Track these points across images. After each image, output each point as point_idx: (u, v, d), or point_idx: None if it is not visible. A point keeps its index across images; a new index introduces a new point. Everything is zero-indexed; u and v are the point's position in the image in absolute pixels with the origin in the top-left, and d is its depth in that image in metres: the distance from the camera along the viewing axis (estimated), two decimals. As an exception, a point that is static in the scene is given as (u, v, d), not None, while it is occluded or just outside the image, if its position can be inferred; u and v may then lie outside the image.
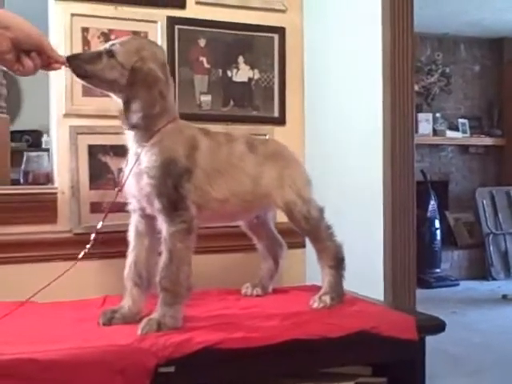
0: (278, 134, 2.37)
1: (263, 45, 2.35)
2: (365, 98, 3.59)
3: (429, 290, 6.05)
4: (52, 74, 2.05)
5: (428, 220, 6.33)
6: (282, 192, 1.87)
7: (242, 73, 2.32)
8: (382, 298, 3.36)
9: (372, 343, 1.70)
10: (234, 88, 2.31)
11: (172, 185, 1.64)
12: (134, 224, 1.75)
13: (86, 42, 2.11)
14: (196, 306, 1.87)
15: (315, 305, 1.87)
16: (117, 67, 1.62)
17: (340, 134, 3.87)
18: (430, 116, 6.77)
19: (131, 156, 1.70)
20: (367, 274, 3.54)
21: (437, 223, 6.40)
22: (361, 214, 3.64)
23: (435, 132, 6.86)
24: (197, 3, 2.26)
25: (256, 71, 2.34)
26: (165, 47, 2.19)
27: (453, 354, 3.95)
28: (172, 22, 2.21)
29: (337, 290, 1.90)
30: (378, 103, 3.36)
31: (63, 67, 1.60)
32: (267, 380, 1.67)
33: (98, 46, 2.11)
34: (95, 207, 2.10)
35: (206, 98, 2.27)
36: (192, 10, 2.26)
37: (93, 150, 2.11)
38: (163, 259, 1.64)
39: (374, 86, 3.43)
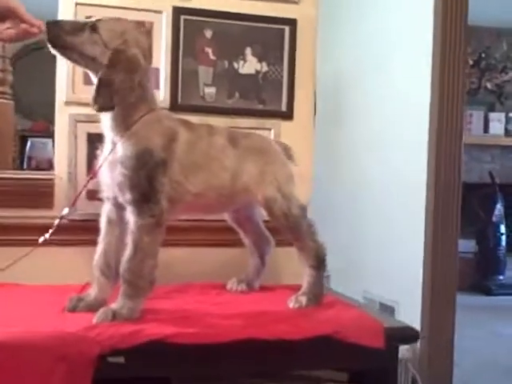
0: (284, 128, 2.32)
1: (273, 37, 2.30)
2: (410, 94, 3.49)
3: (490, 297, 5.82)
4: (58, 60, 2.09)
5: (493, 224, 6.06)
6: (262, 188, 1.84)
7: (249, 65, 2.29)
8: (419, 305, 3.28)
9: (335, 349, 1.64)
10: (239, 80, 2.28)
11: (145, 176, 1.63)
12: (105, 212, 1.75)
13: (89, 31, 2.12)
14: (169, 299, 1.87)
15: (291, 305, 1.83)
16: (99, 44, 1.60)
17: (380, 135, 3.79)
18: (502, 116, 6.46)
19: (107, 144, 1.69)
20: (405, 280, 3.45)
21: (502, 228, 6.10)
22: (402, 217, 3.55)
23: (508, 132, 6.54)
24: (204, -7, 2.24)
25: (264, 64, 2.30)
26: (169, 37, 2.20)
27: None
28: (178, 12, 2.20)
29: (315, 291, 1.85)
30: (425, 100, 3.26)
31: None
32: (222, 378, 1.65)
33: (101, 35, 2.15)
34: (92, 194, 2.11)
35: (210, 90, 2.25)
36: (199, 1, 2.24)
37: (92, 138, 2.13)
38: (128, 251, 1.64)
39: (421, 83, 3.32)
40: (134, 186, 1.63)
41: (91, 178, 1.76)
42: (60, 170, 2.14)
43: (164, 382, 1.67)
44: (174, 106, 2.20)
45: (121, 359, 1.53)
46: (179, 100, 2.21)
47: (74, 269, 2.08)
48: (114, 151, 1.66)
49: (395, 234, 3.60)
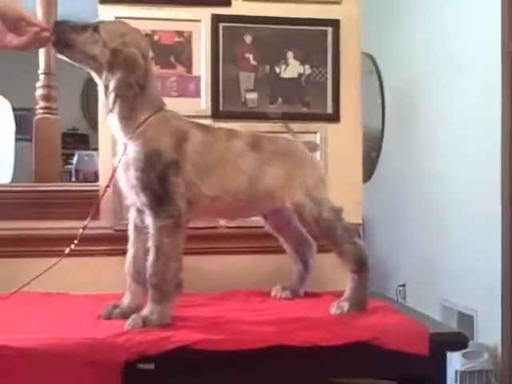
0: (331, 131, 2.27)
1: (315, 39, 2.26)
2: (480, 96, 3.36)
3: None
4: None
5: None
6: (290, 192, 1.78)
7: (292, 68, 2.25)
8: (499, 313, 3.12)
9: (374, 356, 1.56)
10: (282, 84, 2.25)
11: (156, 178, 1.61)
12: (132, 219, 1.75)
13: (129, 44, 2.15)
14: (208, 306, 1.85)
15: (333, 311, 1.76)
16: (99, 43, 1.62)
17: (454, 140, 3.65)
18: None
19: (119, 147, 1.70)
20: (484, 287, 3.30)
21: None
22: (478, 220, 3.41)
23: None
24: (243, 0, 2.23)
25: (307, 66, 2.26)
26: (209, 45, 2.20)
27: None
28: (216, 20, 2.20)
29: (357, 296, 1.78)
30: (496, 101, 3.12)
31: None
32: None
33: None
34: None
35: (252, 96, 2.23)
36: (238, 7, 2.23)
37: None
38: (151, 255, 1.62)
39: (491, 82, 3.19)
40: (146, 188, 1.62)
41: (107, 187, 1.76)
42: (104, 181, 2.16)
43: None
44: (216, 114, 2.19)
45: (151, 366, 1.51)
46: (221, 107, 2.21)
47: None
48: (126, 153, 1.66)
49: (472, 238, 3.46)
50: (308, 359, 1.54)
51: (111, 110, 1.63)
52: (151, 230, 1.63)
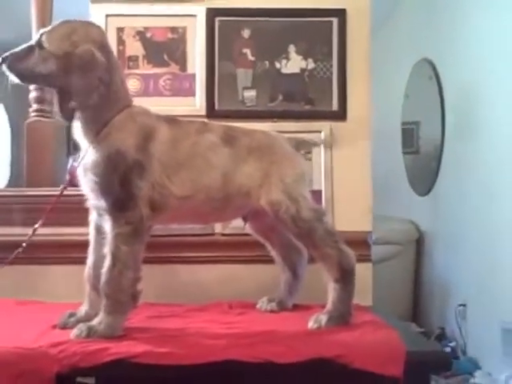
0: (337, 130, 2.08)
1: (319, 31, 2.08)
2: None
3: None
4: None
5: None
6: (265, 190, 1.62)
7: (293, 63, 2.09)
8: None
9: (336, 375, 1.37)
10: (283, 81, 2.08)
11: (119, 181, 1.50)
12: (93, 221, 1.64)
13: (121, 42, 2.07)
14: (179, 318, 1.72)
15: (310, 324, 1.58)
16: (50, 58, 1.49)
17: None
18: None
19: (82, 151, 1.58)
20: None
21: None
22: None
23: None
24: (240, -8, 2.10)
25: (310, 61, 2.09)
26: (204, 41, 2.08)
27: None
28: (212, 14, 2.07)
29: (339, 309, 1.59)
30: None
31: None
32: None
33: (133, 45, 2.09)
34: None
35: (250, 94, 2.08)
36: (235, 0, 2.09)
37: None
38: (106, 263, 1.51)
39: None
40: (107, 193, 1.50)
41: (64, 188, 1.66)
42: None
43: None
44: (211, 113, 2.06)
45: (91, 380, 1.39)
46: (216, 106, 2.07)
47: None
48: (86, 156, 1.54)
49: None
50: (259, 377, 1.37)
51: (70, 119, 1.54)
52: (109, 236, 1.52)
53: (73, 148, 2.28)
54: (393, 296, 3.62)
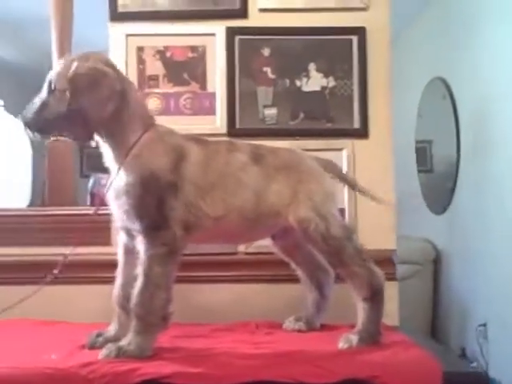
0: (359, 147, 2.07)
1: (339, 49, 2.08)
2: None
3: None
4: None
5: None
6: (294, 208, 1.60)
7: (314, 81, 2.08)
8: None
9: (372, 396, 1.33)
10: (303, 99, 2.08)
11: (154, 203, 1.48)
12: (121, 242, 1.62)
13: (141, 61, 2.08)
14: (207, 338, 1.70)
15: (340, 345, 1.55)
16: (62, 95, 1.46)
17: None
18: None
19: (113, 174, 1.56)
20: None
21: None
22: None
23: None
24: (260, 11, 2.10)
25: (331, 78, 2.08)
26: (224, 60, 2.08)
27: None
28: (232, 32, 2.08)
29: (369, 329, 1.56)
30: None
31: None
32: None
33: (153, 64, 2.09)
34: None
35: (271, 112, 2.08)
36: (254, 19, 2.10)
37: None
38: (138, 283, 1.49)
39: None
40: (142, 215, 1.48)
41: (95, 213, 1.64)
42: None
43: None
44: (232, 132, 2.05)
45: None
46: (237, 125, 2.06)
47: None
48: (117, 178, 1.52)
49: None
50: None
51: (89, 138, 1.53)
52: (142, 256, 1.50)
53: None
54: (411, 316, 3.57)
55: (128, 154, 1.51)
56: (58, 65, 1.54)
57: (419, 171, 4.42)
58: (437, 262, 4.12)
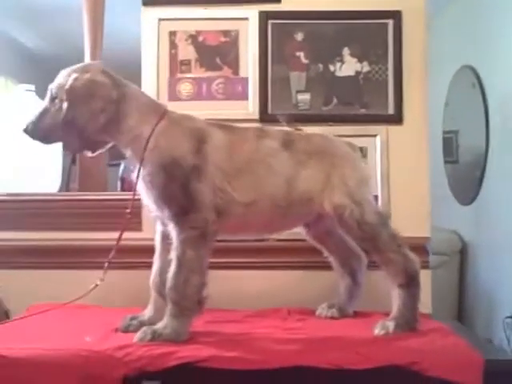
0: (393, 134, 2.04)
1: (374, 33, 2.05)
2: None
3: None
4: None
5: None
6: (328, 194, 1.58)
7: (348, 66, 2.05)
8: None
9: (407, 382, 1.32)
10: (337, 84, 2.05)
11: (179, 189, 1.48)
12: (159, 230, 1.63)
13: (173, 46, 2.06)
14: (241, 323, 1.69)
15: (376, 331, 1.53)
16: (60, 107, 1.50)
17: None
18: None
19: (136, 169, 1.55)
20: None
21: None
22: None
23: None
24: (294, -5, 2.07)
25: (365, 63, 2.05)
26: (257, 44, 2.06)
27: None
28: (265, 17, 2.05)
29: (405, 315, 1.54)
30: None
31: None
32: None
33: (186, 49, 2.07)
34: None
35: (304, 97, 2.05)
36: (288, 3, 2.07)
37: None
38: (172, 268, 1.49)
39: None
40: (169, 202, 1.48)
41: (129, 214, 1.63)
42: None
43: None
44: (264, 117, 2.03)
45: (157, 383, 1.36)
46: (269, 110, 2.04)
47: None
48: (140, 170, 1.52)
49: None
50: (329, 383, 1.32)
51: (82, 148, 1.59)
52: (174, 242, 1.50)
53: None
54: (437, 307, 3.54)
55: (146, 147, 1.50)
56: (59, 76, 1.56)
57: (446, 162, 4.37)
58: (463, 252, 4.07)
